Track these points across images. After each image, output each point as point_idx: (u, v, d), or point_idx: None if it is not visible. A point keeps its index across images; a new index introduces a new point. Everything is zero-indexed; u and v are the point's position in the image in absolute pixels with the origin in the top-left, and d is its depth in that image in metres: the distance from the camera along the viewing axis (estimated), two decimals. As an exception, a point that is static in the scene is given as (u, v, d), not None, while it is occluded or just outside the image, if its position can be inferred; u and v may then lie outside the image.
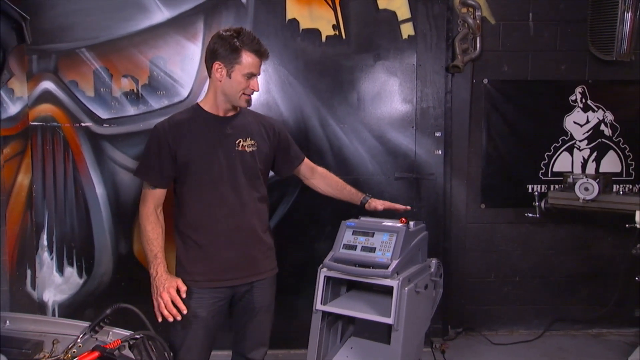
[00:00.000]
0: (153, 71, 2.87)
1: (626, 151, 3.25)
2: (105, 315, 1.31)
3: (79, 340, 1.29)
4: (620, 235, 3.10)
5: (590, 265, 3.30)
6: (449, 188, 3.17)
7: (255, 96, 2.88)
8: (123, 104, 2.87)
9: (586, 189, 2.82)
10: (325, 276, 1.96)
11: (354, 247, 1.95)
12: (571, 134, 3.24)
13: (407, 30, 2.97)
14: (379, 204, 2.13)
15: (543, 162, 3.24)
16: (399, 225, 1.97)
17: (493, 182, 3.24)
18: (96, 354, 1.14)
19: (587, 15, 3.09)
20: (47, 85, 2.83)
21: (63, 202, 2.90)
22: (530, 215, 3.16)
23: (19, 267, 2.90)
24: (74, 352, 1.27)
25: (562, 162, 3.24)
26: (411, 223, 2.00)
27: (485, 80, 3.17)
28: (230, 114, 1.94)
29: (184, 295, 1.76)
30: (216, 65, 1.85)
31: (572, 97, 3.21)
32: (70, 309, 2.94)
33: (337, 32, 2.94)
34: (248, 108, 2.01)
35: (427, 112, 3.03)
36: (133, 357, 1.24)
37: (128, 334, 1.31)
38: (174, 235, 1.96)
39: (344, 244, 1.97)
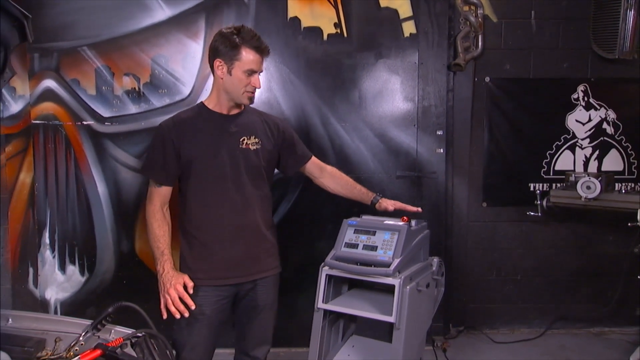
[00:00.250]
0: (155, 69, 2.87)
1: (628, 149, 3.24)
2: (108, 313, 1.32)
3: (81, 338, 1.29)
4: (622, 234, 3.09)
5: (592, 264, 3.30)
6: (451, 186, 3.17)
7: (257, 94, 2.90)
8: (125, 102, 2.88)
9: (588, 188, 2.81)
10: (326, 274, 1.96)
11: (355, 246, 1.95)
12: (573, 133, 3.23)
13: (408, 28, 2.97)
14: (390, 204, 2.11)
15: (545, 160, 3.23)
16: (401, 223, 1.97)
17: (495, 180, 3.23)
18: (98, 352, 1.14)
19: (590, 13, 3.08)
20: (49, 83, 2.83)
21: (65, 201, 2.90)
22: (532, 213, 3.15)
23: (21, 265, 2.91)
24: (76, 350, 1.27)
25: (564, 161, 3.24)
26: (413, 222, 2.00)
27: (487, 79, 3.17)
28: (235, 112, 1.94)
29: (191, 291, 1.77)
30: (217, 62, 1.85)
31: (575, 96, 3.20)
32: (72, 307, 2.95)
33: (338, 30, 2.94)
34: (252, 106, 2.02)
35: (429, 110, 3.02)
36: (135, 355, 1.24)
37: (130, 332, 1.32)
38: (178, 233, 1.96)
39: (345, 243, 1.97)
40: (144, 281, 2.88)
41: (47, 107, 2.85)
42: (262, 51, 1.85)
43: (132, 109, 2.88)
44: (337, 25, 2.94)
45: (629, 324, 3.28)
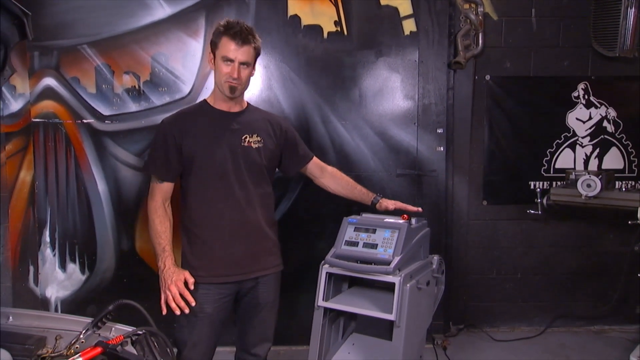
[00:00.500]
0: (154, 68, 2.87)
1: (629, 147, 3.24)
2: (108, 311, 1.32)
3: (81, 336, 1.29)
4: (622, 232, 3.09)
5: (593, 262, 3.30)
6: (451, 185, 3.17)
7: (257, 92, 2.91)
8: (125, 100, 2.87)
9: (588, 186, 2.81)
10: (327, 272, 1.96)
11: (355, 244, 1.95)
12: (574, 131, 3.23)
13: (409, 26, 2.96)
14: (390, 204, 2.13)
15: (545, 158, 3.23)
16: (401, 222, 1.97)
17: (495, 178, 3.23)
18: (99, 349, 1.14)
19: (590, 11, 3.08)
20: (49, 81, 2.83)
21: (65, 199, 2.90)
22: (532, 212, 3.15)
23: (22, 264, 2.91)
24: (77, 347, 1.27)
25: (565, 159, 3.23)
26: (413, 220, 2.00)
27: (488, 77, 3.17)
28: (236, 109, 1.94)
29: (191, 288, 1.77)
30: (210, 56, 1.89)
31: (575, 94, 3.20)
32: (73, 305, 2.95)
33: (338, 29, 2.94)
34: (255, 106, 2.03)
35: (429, 108, 3.02)
36: (135, 352, 1.25)
37: (130, 330, 1.32)
38: (179, 231, 1.97)
39: (345, 241, 1.97)
40: (145, 279, 2.88)
41: (47, 105, 2.85)
42: (233, 36, 1.79)
43: (132, 107, 2.88)
44: (337, 23, 2.93)
45: (629, 322, 3.29)
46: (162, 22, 2.85)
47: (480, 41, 3.07)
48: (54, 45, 2.82)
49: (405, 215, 2.00)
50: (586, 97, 3.20)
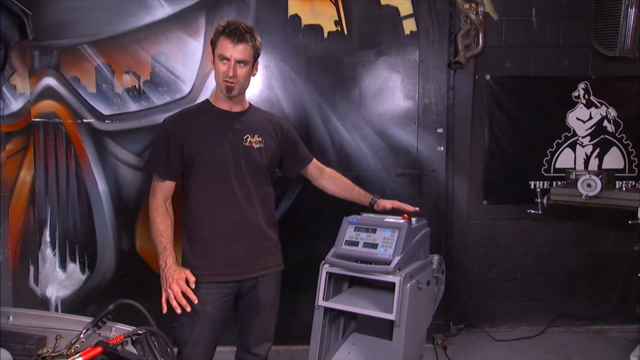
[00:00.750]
0: (155, 67, 2.87)
1: (629, 147, 3.24)
2: (108, 311, 1.32)
3: (82, 335, 1.29)
4: (622, 232, 3.09)
5: (593, 262, 3.30)
6: (451, 184, 3.17)
7: (257, 92, 2.91)
8: (125, 100, 2.87)
9: (589, 186, 2.81)
10: (327, 272, 1.96)
11: (356, 244, 1.95)
12: (574, 130, 3.23)
13: (409, 26, 2.96)
14: (387, 204, 2.14)
15: (545, 158, 3.23)
16: (401, 221, 1.97)
17: (495, 178, 3.23)
18: (99, 349, 1.14)
19: (591, 10, 3.08)
20: (49, 81, 2.83)
21: (65, 198, 2.90)
22: (533, 211, 3.16)
23: (22, 263, 2.91)
24: (77, 347, 1.27)
25: (565, 159, 3.23)
26: (413, 219, 2.00)
27: (488, 77, 3.16)
28: (238, 109, 1.94)
29: (193, 286, 1.77)
30: (211, 55, 1.89)
31: (575, 93, 3.20)
32: (73, 304, 2.95)
33: (339, 28, 2.94)
34: (257, 106, 2.04)
35: (429, 108, 3.02)
36: (136, 352, 1.25)
37: (131, 329, 1.32)
38: (180, 230, 1.97)
39: (346, 240, 1.97)
40: (145, 279, 2.88)
41: (48, 104, 2.85)
42: (229, 35, 1.79)
43: (133, 106, 2.88)
44: (338, 22, 2.93)
45: (629, 321, 3.29)
46: (162, 21, 2.85)
47: (480, 41, 3.07)
48: (54, 45, 2.82)
49: (405, 215, 2.00)
50: (586, 96, 3.20)
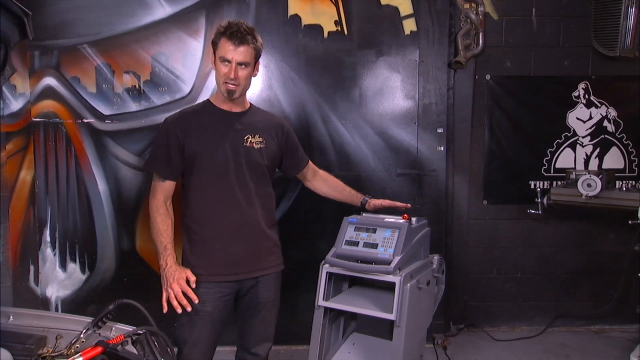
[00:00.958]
0: (155, 67, 2.87)
1: (629, 147, 3.24)
2: (108, 310, 1.32)
3: (82, 335, 1.29)
4: (622, 232, 3.09)
5: (593, 262, 3.30)
6: (451, 184, 3.17)
7: (257, 92, 2.91)
8: (125, 100, 2.87)
9: (589, 185, 2.81)
10: (327, 272, 1.96)
11: (356, 243, 1.95)
12: (574, 130, 3.23)
13: (409, 26, 2.96)
14: (378, 203, 2.16)
15: (546, 158, 3.23)
16: (402, 221, 1.97)
17: (495, 178, 3.23)
18: (99, 349, 1.14)
19: (591, 10, 3.08)
20: (49, 81, 2.83)
21: (65, 198, 2.90)
22: (533, 211, 3.16)
23: (22, 263, 2.91)
24: (77, 347, 1.27)
25: (565, 159, 3.23)
26: (413, 219, 2.00)
27: (488, 77, 3.16)
28: (238, 109, 1.94)
29: (193, 286, 1.77)
30: (212, 56, 1.89)
31: (575, 93, 3.20)
32: (73, 304, 2.95)
33: (339, 28, 2.94)
34: (258, 107, 2.04)
35: (429, 108, 3.02)
36: (136, 352, 1.25)
37: (131, 329, 1.32)
38: (180, 229, 1.97)
39: (346, 240, 1.97)
40: (145, 279, 2.88)
41: (48, 104, 2.85)
42: (230, 37, 1.79)
43: (133, 106, 2.88)
44: (338, 22, 2.93)
45: (630, 321, 3.28)
46: (163, 21, 2.85)
47: (480, 41, 3.07)
48: (54, 45, 2.82)
49: (405, 215, 2.00)
50: (586, 96, 3.20)
